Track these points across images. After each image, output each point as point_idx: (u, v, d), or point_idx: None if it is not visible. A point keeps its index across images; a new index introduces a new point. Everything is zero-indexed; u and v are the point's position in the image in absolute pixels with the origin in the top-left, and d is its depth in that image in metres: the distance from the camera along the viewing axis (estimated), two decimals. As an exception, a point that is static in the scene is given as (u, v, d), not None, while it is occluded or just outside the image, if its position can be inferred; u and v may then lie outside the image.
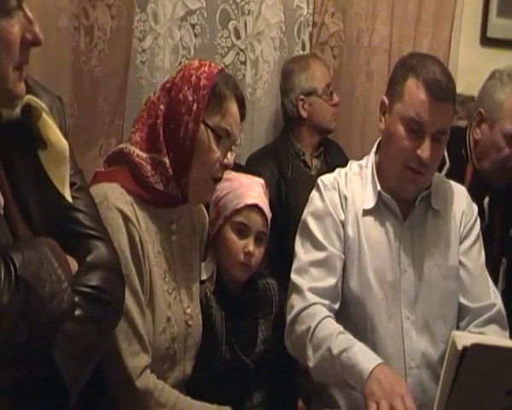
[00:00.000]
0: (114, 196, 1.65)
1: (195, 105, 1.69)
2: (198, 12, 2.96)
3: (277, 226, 2.12)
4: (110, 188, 1.66)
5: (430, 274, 1.94)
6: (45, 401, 1.24)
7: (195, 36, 2.96)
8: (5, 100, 1.26)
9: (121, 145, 1.79)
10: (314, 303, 1.85)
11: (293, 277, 1.92)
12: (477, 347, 1.29)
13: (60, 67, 2.52)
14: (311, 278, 1.89)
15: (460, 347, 1.29)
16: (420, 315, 1.91)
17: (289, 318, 1.87)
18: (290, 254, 2.00)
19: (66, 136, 1.41)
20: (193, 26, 2.96)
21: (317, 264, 1.90)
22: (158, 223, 1.75)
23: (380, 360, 1.68)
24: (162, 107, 1.73)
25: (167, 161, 1.70)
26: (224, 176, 1.92)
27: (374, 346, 1.85)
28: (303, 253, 1.93)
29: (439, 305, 1.93)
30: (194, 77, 1.72)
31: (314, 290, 1.86)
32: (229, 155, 1.76)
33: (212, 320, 1.89)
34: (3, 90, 1.24)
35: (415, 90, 1.86)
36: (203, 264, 1.93)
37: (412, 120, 1.86)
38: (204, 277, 1.92)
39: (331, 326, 1.80)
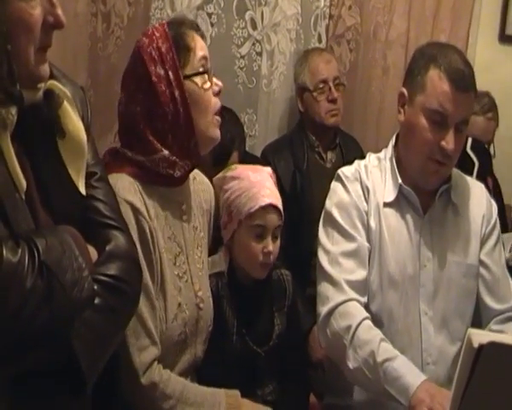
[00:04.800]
0: (123, 188, 1.63)
1: (170, 73, 1.66)
2: (215, 1, 2.96)
3: (291, 219, 2.11)
4: (118, 179, 1.64)
5: (450, 270, 1.93)
6: (62, 387, 1.25)
7: (212, 25, 2.96)
8: (28, 82, 1.25)
9: (116, 147, 1.76)
10: (351, 299, 1.84)
11: (327, 267, 1.89)
12: (493, 345, 1.27)
13: (76, 53, 2.51)
14: (343, 269, 1.87)
15: (476, 344, 1.27)
16: (438, 311, 1.91)
17: (325, 309, 1.86)
18: (303, 246, 2.00)
19: (88, 126, 1.41)
20: (209, 15, 2.96)
21: (347, 254, 1.88)
22: (169, 205, 1.74)
23: (424, 377, 1.70)
24: (138, 108, 1.68)
25: (166, 152, 1.67)
26: (231, 173, 1.92)
27: (391, 339, 1.85)
28: (330, 244, 1.91)
29: (458, 302, 1.93)
30: (153, 51, 1.67)
31: (350, 284, 1.86)
32: (215, 79, 1.74)
33: (223, 311, 1.88)
34: (25, 71, 1.23)
35: (437, 81, 1.84)
36: (211, 259, 1.91)
37: (436, 111, 1.84)
38: (212, 271, 1.90)
39: (372, 331, 1.80)
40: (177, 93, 1.67)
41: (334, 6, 3.23)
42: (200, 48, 1.72)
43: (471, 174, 2.68)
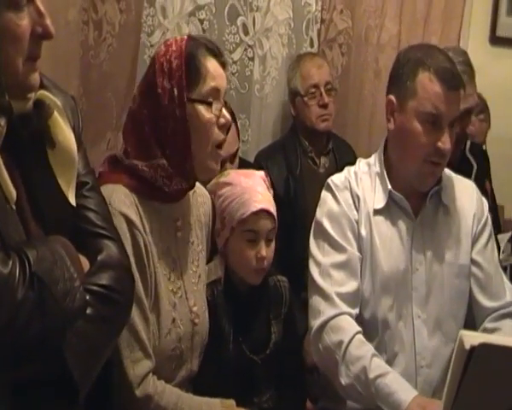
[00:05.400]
0: (118, 200, 1.62)
1: (175, 90, 1.63)
2: (206, 7, 2.97)
3: (285, 224, 2.11)
4: (114, 191, 1.63)
5: (442, 272, 1.93)
6: (55, 398, 1.24)
7: (204, 31, 2.97)
8: (17, 92, 1.24)
9: (115, 153, 1.76)
10: (343, 313, 1.84)
11: (318, 279, 1.89)
12: (485, 346, 1.27)
13: (68, 61, 2.51)
14: (334, 281, 1.87)
15: (467, 346, 1.27)
16: (431, 314, 1.91)
17: (317, 323, 1.85)
18: (297, 252, 2.00)
19: (79, 136, 1.41)
20: (201, 21, 2.97)
21: (338, 266, 1.88)
22: (163, 221, 1.73)
23: (416, 392, 1.71)
24: (145, 111, 1.67)
25: (165, 161, 1.66)
26: (223, 178, 1.91)
27: (384, 344, 1.86)
28: (321, 255, 1.91)
29: (451, 304, 1.93)
30: (165, 63, 1.65)
31: (341, 296, 1.85)
32: (223, 111, 1.69)
33: (219, 318, 1.87)
34: (14, 82, 1.22)
35: (428, 84, 1.83)
36: (207, 267, 1.90)
37: (430, 114, 1.84)
38: (208, 280, 1.89)
39: (364, 346, 1.80)
40: (178, 112, 1.64)
41: (326, 10, 3.24)
42: (213, 78, 1.66)
43: (469, 177, 2.69)
